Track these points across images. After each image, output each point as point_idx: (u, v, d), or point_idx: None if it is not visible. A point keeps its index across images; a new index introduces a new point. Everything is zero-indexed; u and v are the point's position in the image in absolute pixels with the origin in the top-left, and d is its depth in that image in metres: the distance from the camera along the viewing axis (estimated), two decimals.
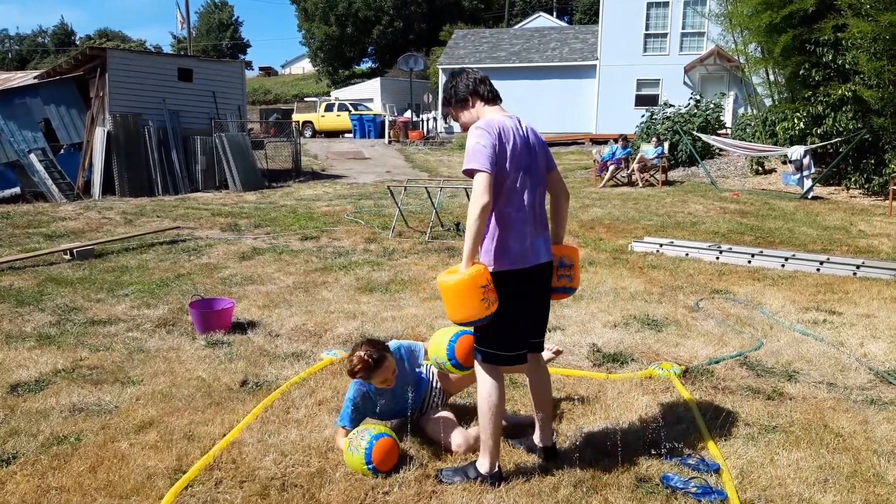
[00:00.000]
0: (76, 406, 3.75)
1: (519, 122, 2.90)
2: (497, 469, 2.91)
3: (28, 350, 4.71)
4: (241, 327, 5.22)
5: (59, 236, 9.21)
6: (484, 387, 2.86)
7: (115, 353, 4.68)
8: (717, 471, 3.00)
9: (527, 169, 2.84)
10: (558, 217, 3.11)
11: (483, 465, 2.90)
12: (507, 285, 2.78)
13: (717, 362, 4.46)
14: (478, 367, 2.91)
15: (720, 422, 3.54)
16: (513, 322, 2.84)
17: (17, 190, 14.39)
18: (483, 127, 2.77)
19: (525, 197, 2.83)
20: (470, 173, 2.70)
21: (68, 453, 3.19)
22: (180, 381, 4.13)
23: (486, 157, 2.68)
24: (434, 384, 3.53)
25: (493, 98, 2.97)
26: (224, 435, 3.35)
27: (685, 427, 3.46)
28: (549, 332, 5.12)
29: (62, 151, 15.53)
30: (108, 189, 14.67)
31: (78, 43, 66.66)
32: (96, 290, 6.37)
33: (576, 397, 3.85)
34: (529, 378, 3.15)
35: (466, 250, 2.69)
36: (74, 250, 7.71)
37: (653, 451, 3.19)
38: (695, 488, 2.83)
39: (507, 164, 2.76)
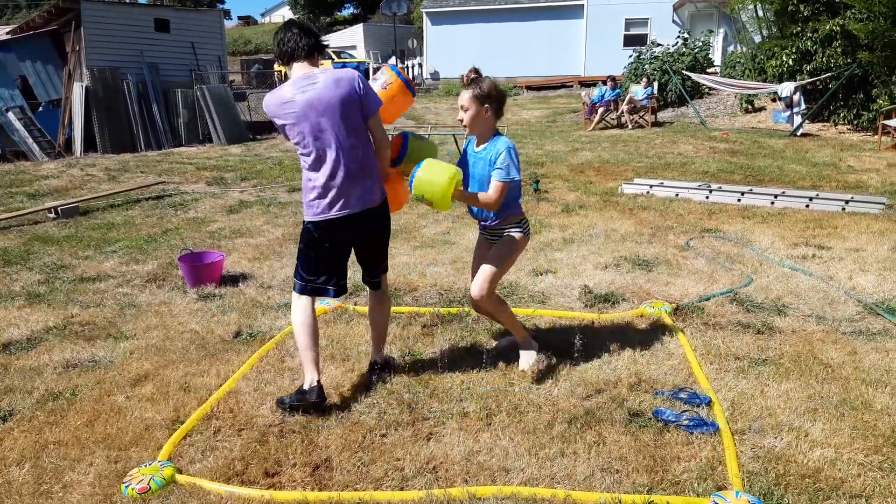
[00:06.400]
0: (70, 362, 3.75)
1: None
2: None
3: (18, 309, 4.67)
4: (232, 280, 5.20)
5: (43, 195, 9.08)
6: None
7: (107, 309, 4.66)
8: (709, 403, 3.04)
9: None
10: None
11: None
12: None
13: (707, 299, 4.49)
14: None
15: (711, 356, 3.58)
16: None
17: None
18: None
19: None
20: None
21: (64, 408, 3.20)
22: (174, 335, 4.13)
23: None
24: None
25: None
26: (220, 385, 3.37)
27: (676, 362, 3.51)
28: (541, 275, 5.14)
29: (41, 109, 15.22)
30: (89, 146, 14.42)
31: None
32: (83, 248, 6.32)
33: (568, 338, 3.88)
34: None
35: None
36: (59, 208, 7.61)
37: (645, 387, 3.23)
38: (687, 421, 2.88)
39: None
